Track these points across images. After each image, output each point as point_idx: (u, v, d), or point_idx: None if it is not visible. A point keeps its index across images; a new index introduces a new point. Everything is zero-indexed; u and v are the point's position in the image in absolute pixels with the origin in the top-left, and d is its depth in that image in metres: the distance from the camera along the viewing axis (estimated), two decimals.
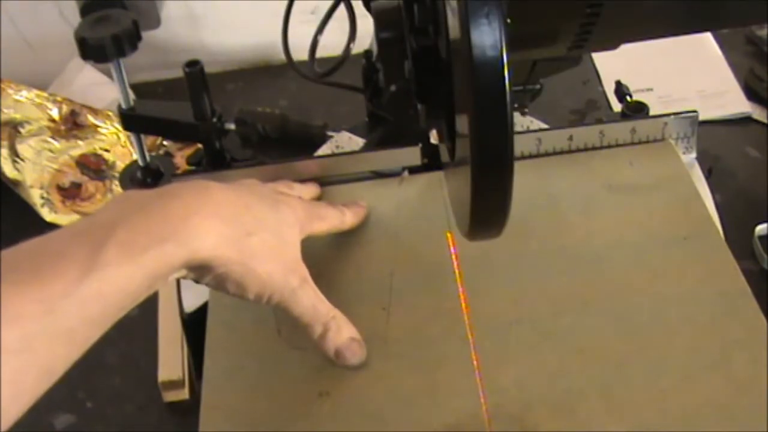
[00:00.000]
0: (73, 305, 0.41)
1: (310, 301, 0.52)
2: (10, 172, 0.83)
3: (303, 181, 0.64)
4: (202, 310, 0.59)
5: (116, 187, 0.82)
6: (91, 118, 0.89)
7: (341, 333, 0.53)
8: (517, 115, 0.67)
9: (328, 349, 0.53)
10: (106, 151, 0.87)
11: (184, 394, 0.66)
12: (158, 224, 0.45)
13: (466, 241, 0.49)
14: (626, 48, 0.53)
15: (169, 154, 0.86)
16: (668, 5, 0.46)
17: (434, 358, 0.53)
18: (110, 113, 0.89)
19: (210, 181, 0.51)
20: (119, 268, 0.43)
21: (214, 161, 0.67)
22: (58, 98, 0.89)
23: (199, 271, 0.48)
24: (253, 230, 0.50)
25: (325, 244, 0.60)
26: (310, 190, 0.63)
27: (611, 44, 0.50)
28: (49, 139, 0.87)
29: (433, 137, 0.64)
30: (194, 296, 0.61)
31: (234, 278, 0.49)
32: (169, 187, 0.50)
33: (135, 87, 0.80)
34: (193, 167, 0.69)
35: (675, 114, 0.66)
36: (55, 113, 0.89)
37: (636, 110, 0.68)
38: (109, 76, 0.71)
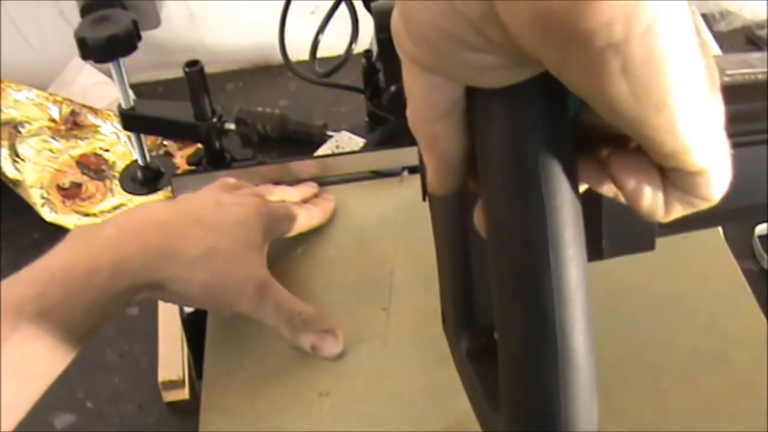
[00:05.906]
0: (12, 348, 0.43)
1: (270, 304, 0.52)
2: (10, 172, 0.83)
3: (302, 181, 0.64)
4: (202, 310, 0.59)
5: (116, 186, 0.82)
6: (91, 118, 0.89)
7: (312, 327, 0.53)
8: None
9: (303, 344, 0.53)
10: (106, 151, 0.87)
11: (184, 394, 0.66)
12: (94, 256, 0.48)
13: None
14: None
15: (169, 154, 0.86)
16: None
17: (434, 358, 0.53)
18: (110, 113, 0.89)
19: (155, 203, 0.54)
20: (57, 304, 0.45)
21: (214, 161, 0.67)
22: (58, 98, 0.89)
23: (152, 292, 0.50)
24: (197, 245, 0.51)
25: (324, 244, 0.60)
26: (304, 190, 0.63)
27: None
28: (49, 139, 0.87)
29: None
30: None
31: (189, 296, 0.51)
32: (113, 219, 0.53)
33: (135, 87, 0.80)
34: (193, 167, 0.69)
35: None
36: (55, 113, 0.89)
37: None
38: (109, 76, 0.71)
